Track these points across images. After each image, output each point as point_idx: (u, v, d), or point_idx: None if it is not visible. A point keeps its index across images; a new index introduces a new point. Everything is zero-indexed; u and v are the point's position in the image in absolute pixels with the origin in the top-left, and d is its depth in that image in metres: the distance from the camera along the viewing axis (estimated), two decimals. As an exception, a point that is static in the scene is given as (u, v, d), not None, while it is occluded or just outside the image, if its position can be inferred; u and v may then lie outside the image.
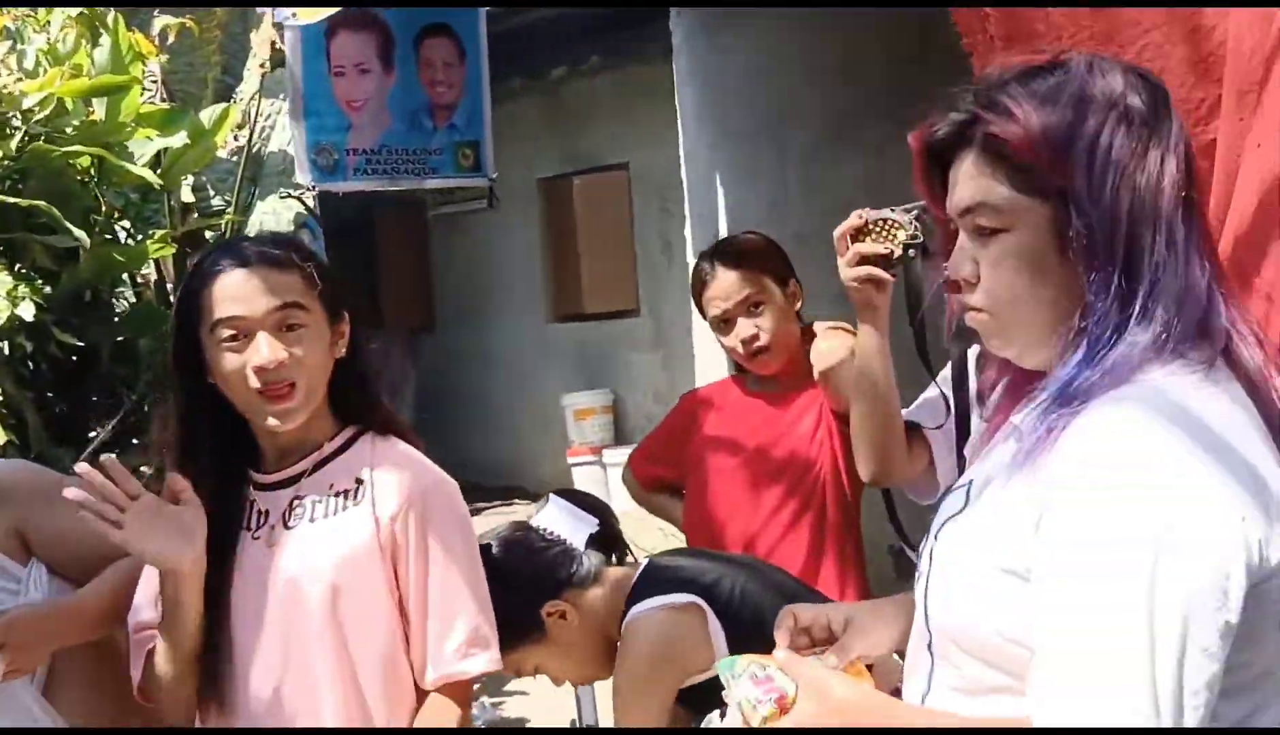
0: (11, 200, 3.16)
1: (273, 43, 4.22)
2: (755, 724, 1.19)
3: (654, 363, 8.23)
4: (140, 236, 3.94)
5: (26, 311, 3.08)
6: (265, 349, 1.55)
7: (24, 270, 3.37)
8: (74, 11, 3.51)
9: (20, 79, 3.47)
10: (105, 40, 3.60)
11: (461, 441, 9.35)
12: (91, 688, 1.83)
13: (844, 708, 1.13)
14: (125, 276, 4.01)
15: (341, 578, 1.61)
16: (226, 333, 1.57)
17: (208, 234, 4.50)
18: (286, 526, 1.64)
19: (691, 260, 5.05)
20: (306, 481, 1.66)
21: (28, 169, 3.35)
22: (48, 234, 3.43)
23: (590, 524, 1.89)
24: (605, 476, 8.26)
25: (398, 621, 1.63)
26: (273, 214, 4.70)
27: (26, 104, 3.37)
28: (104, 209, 3.66)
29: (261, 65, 4.23)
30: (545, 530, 1.87)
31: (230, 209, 4.41)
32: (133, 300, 4.21)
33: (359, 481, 1.65)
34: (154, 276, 4.34)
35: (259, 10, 4.72)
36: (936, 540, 1.16)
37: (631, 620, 1.79)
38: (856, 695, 1.15)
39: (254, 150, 4.58)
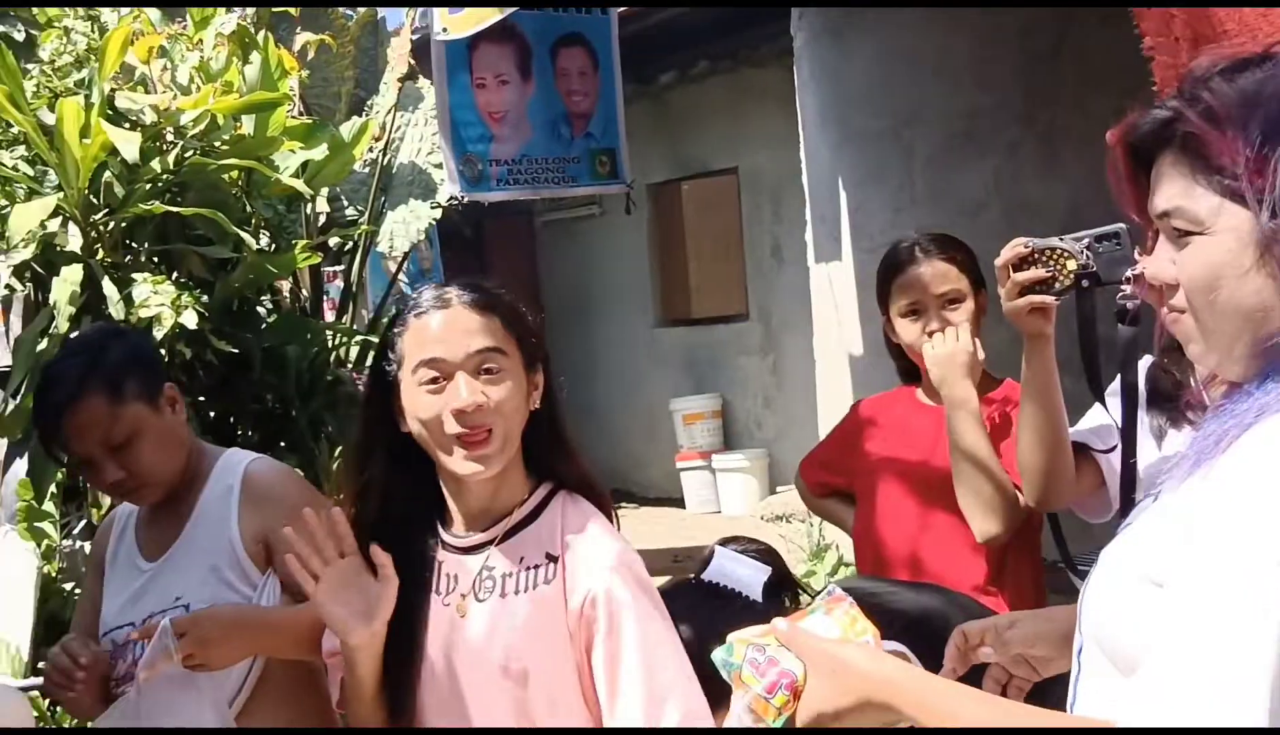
0: (174, 211, 3.28)
1: (411, 57, 4.32)
2: (774, 722, 1.10)
3: (763, 367, 8.23)
4: (281, 246, 4.06)
5: (189, 319, 3.18)
6: (464, 391, 1.52)
7: (182, 279, 3.51)
8: (227, 29, 3.64)
9: (175, 96, 3.61)
10: (255, 57, 3.73)
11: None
12: (294, 709, 1.89)
13: (862, 682, 1.09)
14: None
15: (532, 661, 1.55)
16: (427, 375, 1.54)
17: (335, 242, 4.63)
18: (477, 598, 1.58)
19: (812, 263, 5.05)
20: (497, 551, 1.60)
21: (186, 182, 3.48)
22: (203, 244, 3.56)
23: (763, 571, 1.78)
24: (714, 481, 8.28)
25: (585, 707, 1.56)
26: (403, 224, 4.81)
27: (183, 120, 3.50)
28: (253, 220, 3.79)
29: (399, 79, 4.34)
30: (720, 585, 1.76)
31: (364, 219, 4.53)
32: (269, 308, 4.35)
33: (550, 558, 1.58)
34: (290, 286, 4.48)
35: (390, 25, 4.85)
36: (1108, 549, 1.14)
37: None
38: (873, 666, 1.11)
39: (386, 162, 4.69)
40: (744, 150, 7.99)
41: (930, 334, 2.23)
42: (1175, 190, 1.05)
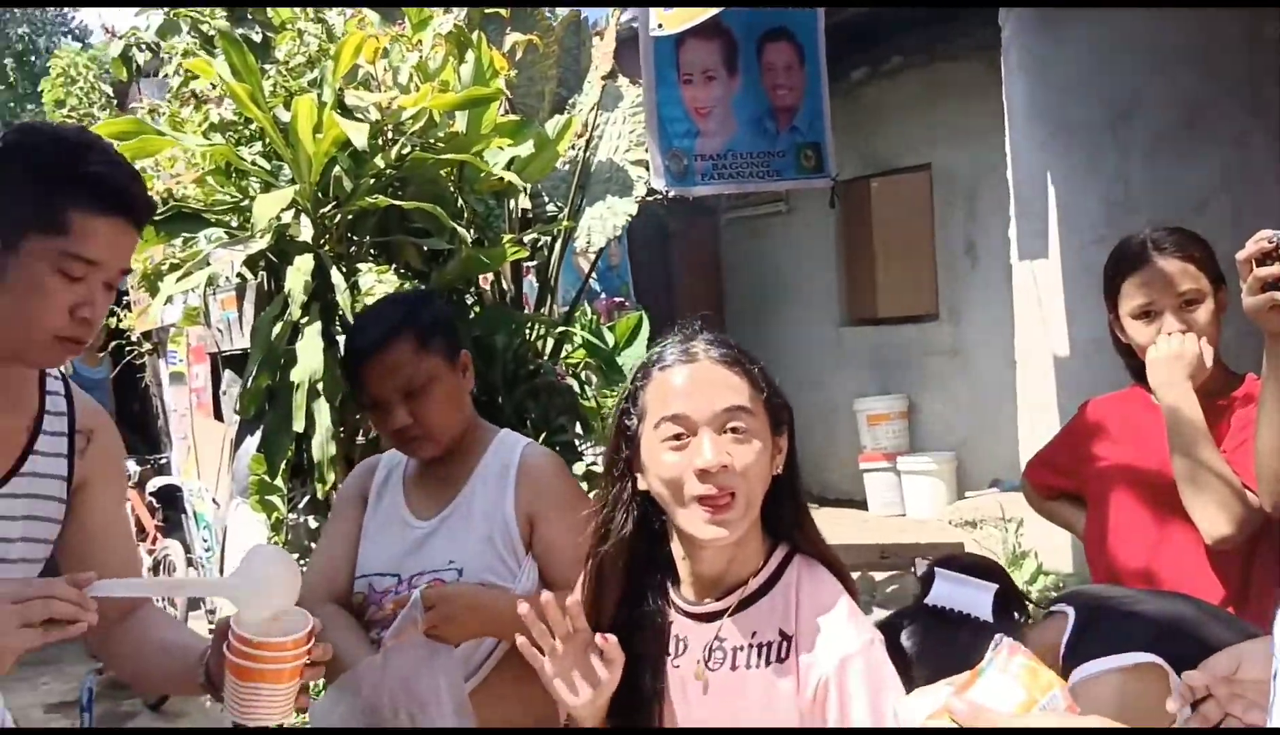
0: (397, 204, 3.43)
1: (615, 55, 4.39)
2: None
3: (953, 368, 8.03)
4: (489, 240, 4.19)
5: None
6: (709, 451, 1.45)
7: (400, 270, 3.67)
8: (444, 30, 3.78)
9: (396, 94, 3.78)
10: (469, 57, 3.87)
11: (750, 443, 9.43)
12: (523, 695, 1.91)
13: None
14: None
15: None
16: (671, 431, 1.49)
17: (530, 237, 4.76)
18: (708, 667, 1.53)
19: (1016, 261, 4.90)
20: (730, 622, 1.54)
21: (406, 177, 3.64)
22: (420, 237, 3.72)
23: (988, 588, 1.71)
24: (899, 483, 8.14)
25: None
26: (600, 220, 4.91)
27: (403, 117, 3.65)
28: (465, 214, 3.93)
29: (602, 77, 4.42)
30: (946, 609, 1.69)
31: (563, 215, 4.63)
32: (473, 300, 4.50)
33: (784, 636, 1.52)
34: (491, 279, 4.62)
35: (593, 24, 4.94)
36: None
37: (1081, 686, 1.59)
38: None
39: (586, 159, 4.79)
40: (938, 146, 7.82)
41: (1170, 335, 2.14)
42: None
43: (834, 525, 7.93)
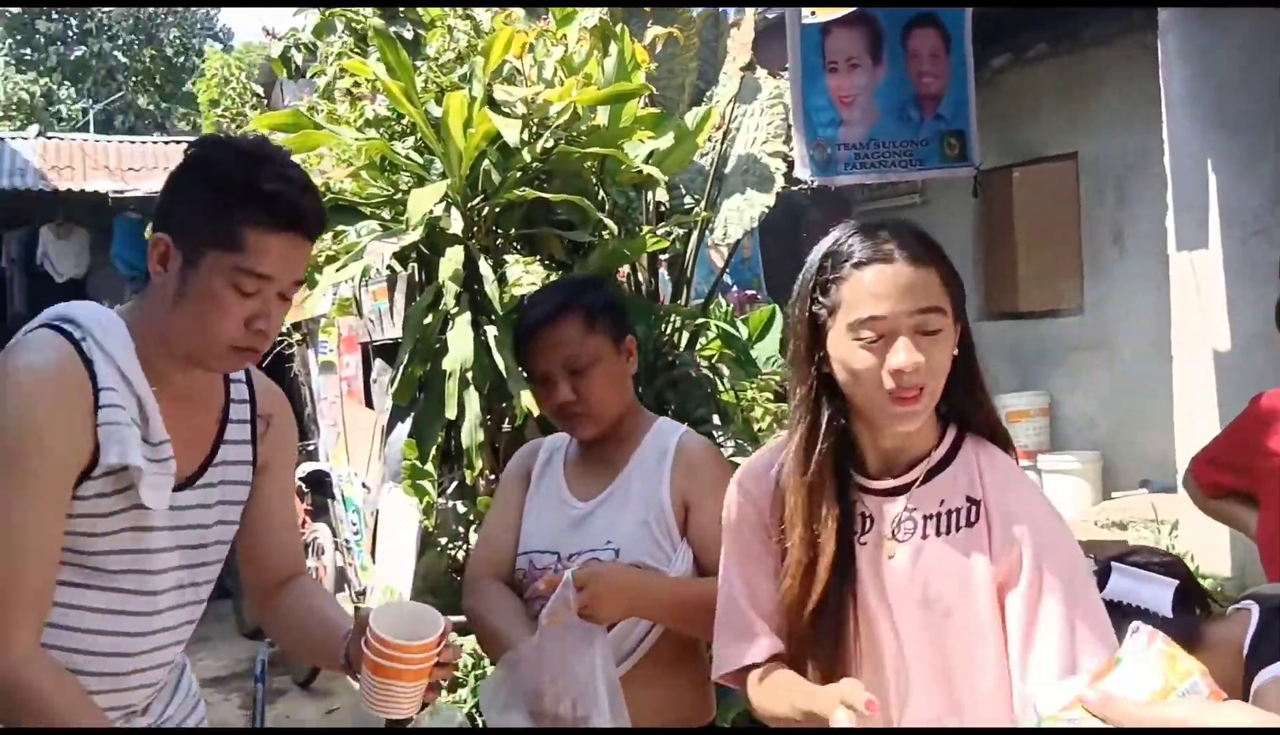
0: (544, 196, 3.49)
1: (753, 46, 4.39)
2: None
3: (1097, 363, 7.77)
4: (628, 232, 4.23)
5: (544, 299, 3.39)
6: (904, 354, 1.48)
7: (545, 262, 3.73)
8: (590, 23, 3.83)
9: (542, 89, 3.84)
10: (613, 51, 3.90)
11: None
12: (675, 679, 1.96)
13: None
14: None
15: (954, 599, 1.53)
16: (867, 334, 1.50)
17: (679, 230, 4.78)
18: (895, 538, 1.57)
19: (1173, 252, 4.72)
20: (917, 492, 1.57)
21: (552, 170, 3.70)
22: (563, 229, 3.78)
23: (1169, 584, 1.68)
24: (1040, 482, 7.92)
25: (1002, 647, 1.53)
26: (737, 212, 4.90)
27: (550, 111, 3.71)
28: (606, 206, 3.98)
29: (741, 69, 4.41)
30: (1125, 603, 1.66)
31: (700, 207, 4.64)
32: (609, 291, 4.54)
33: (971, 501, 1.56)
34: (628, 270, 4.66)
35: (733, 14, 4.94)
36: None
37: (1265, 687, 1.57)
38: (1212, 717, 1.04)
39: (723, 151, 4.79)
40: (1084, 134, 7.57)
41: None
42: None
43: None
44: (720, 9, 5.25)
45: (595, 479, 2.05)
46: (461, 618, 1.96)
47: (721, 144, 4.85)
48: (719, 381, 5.28)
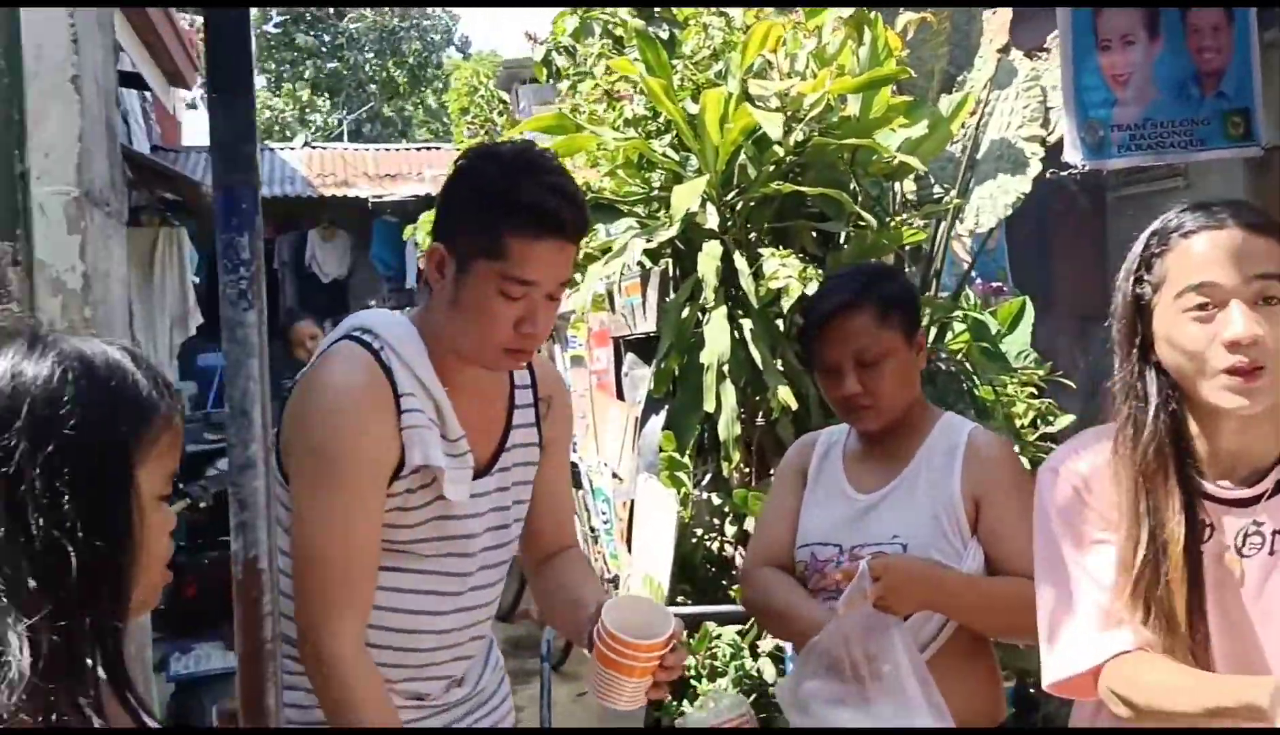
0: (800, 190, 3.49)
1: (1009, 28, 4.24)
2: None
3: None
4: (879, 222, 4.17)
5: (813, 290, 3.37)
6: (1240, 321, 1.36)
7: (797, 254, 3.73)
8: (846, 13, 3.79)
9: (795, 81, 3.83)
10: (867, 38, 3.86)
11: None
12: (968, 670, 1.93)
13: None
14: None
15: None
16: (1196, 301, 1.40)
17: (928, 220, 4.67)
18: (1241, 553, 1.44)
19: None
20: (1269, 504, 1.43)
21: (806, 162, 3.69)
22: (818, 221, 3.76)
23: None
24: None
25: None
26: (990, 199, 4.75)
27: (804, 103, 3.70)
28: (859, 197, 3.93)
29: (998, 51, 4.27)
30: None
31: (952, 195, 4.52)
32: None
33: None
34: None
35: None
36: None
37: None
38: None
39: (977, 137, 4.65)
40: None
41: None
42: None
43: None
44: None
45: (879, 472, 2.03)
46: (704, 609, 1.98)
47: (975, 129, 4.71)
48: (974, 376, 5.14)
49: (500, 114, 8.53)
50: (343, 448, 1.60)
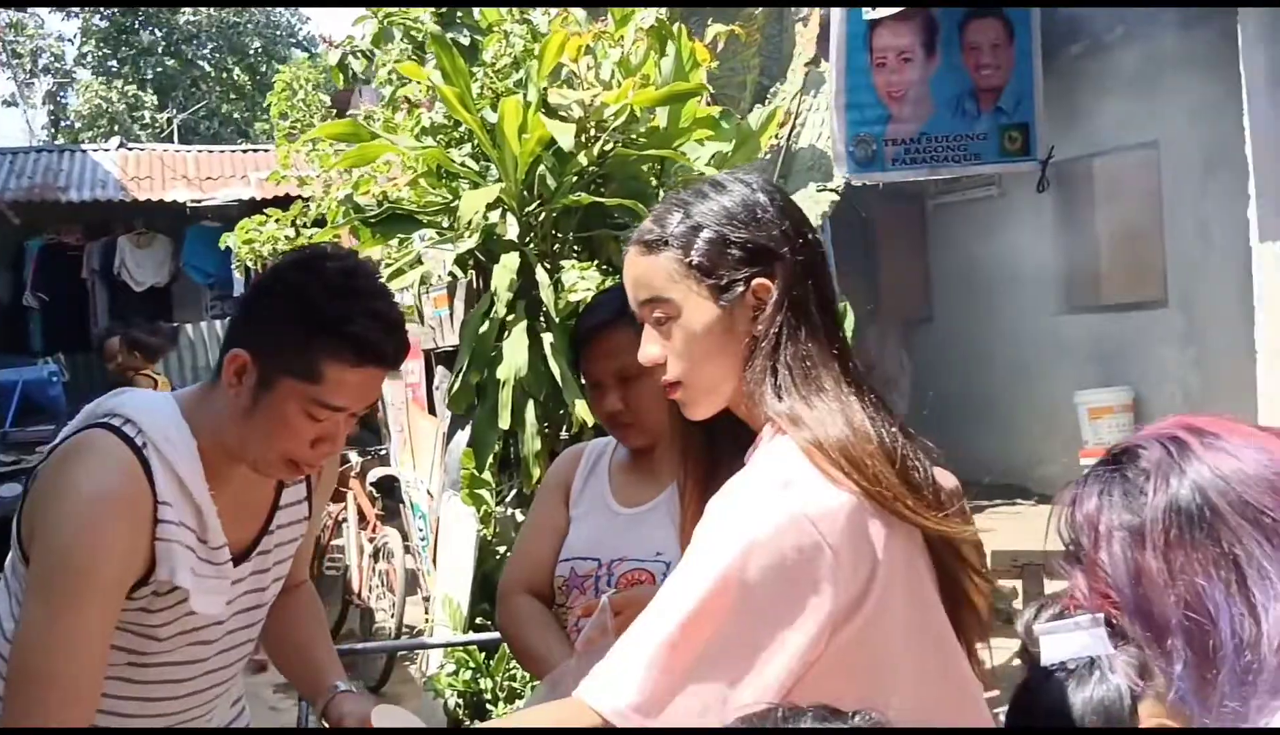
0: (600, 201, 3.46)
1: (818, 40, 4.31)
2: None
3: (1184, 359, 7.53)
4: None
5: (609, 304, 3.35)
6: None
7: (602, 265, 3.70)
8: (647, 23, 3.78)
9: (598, 91, 3.81)
10: (670, 51, 3.85)
11: (959, 436, 9.06)
12: None
13: None
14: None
15: None
16: None
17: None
18: None
19: (1256, 243, 4.53)
20: None
21: (609, 173, 3.67)
22: (623, 231, 3.74)
23: (1097, 620, 1.54)
24: (1122, 480, 7.69)
25: None
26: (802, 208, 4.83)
27: (606, 114, 3.68)
28: (666, 209, 3.92)
29: (806, 64, 4.34)
30: (1068, 665, 1.49)
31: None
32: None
33: None
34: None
35: (800, 11, 4.86)
36: None
37: None
38: None
39: (788, 147, 4.72)
40: (1166, 121, 7.33)
41: None
42: None
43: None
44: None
45: (645, 486, 1.97)
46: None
47: (787, 140, 4.78)
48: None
49: (323, 118, 8.29)
50: (86, 562, 1.49)
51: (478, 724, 3.10)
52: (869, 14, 3.32)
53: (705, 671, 1.17)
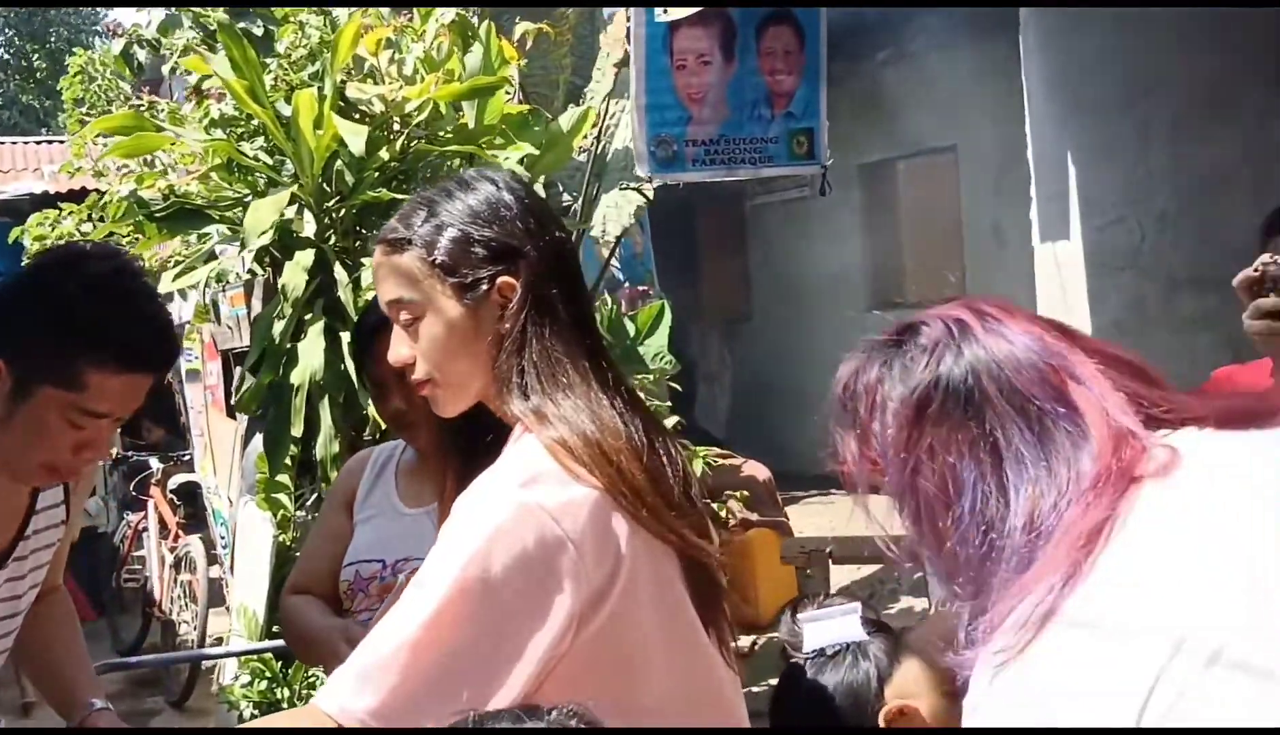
0: (400, 198, 3.40)
1: (623, 43, 4.35)
2: None
3: (981, 353, 7.93)
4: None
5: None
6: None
7: (405, 264, 3.64)
8: (447, 19, 3.74)
9: (401, 86, 3.74)
10: (476, 47, 3.82)
11: (779, 430, 9.35)
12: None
13: None
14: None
15: None
16: None
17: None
18: None
19: (1037, 243, 4.80)
20: None
21: (412, 170, 3.61)
22: (426, 229, 3.69)
23: (850, 607, 1.60)
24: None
25: None
26: (614, 208, 4.86)
27: (408, 109, 3.62)
28: (473, 206, 3.89)
29: (615, 65, 4.36)
30: (826, 650, 1.57)
31: (578, 205, 4.59)
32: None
33: None
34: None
35: (607, 11, 4.89)
36: None
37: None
38: None
39: (600, 148, 4.74)
40: (963, 127, 7.70)
41: None
42: None
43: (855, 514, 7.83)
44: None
45: (431, 485, 1.96)
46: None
47: (598, 141, 4.80)
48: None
49: (121, 106, 7.90)
50: None
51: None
52: (661, 16, 3.37)
53: (446, 674, 1.17)
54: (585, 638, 1.22)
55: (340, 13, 3.89)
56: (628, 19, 4.57)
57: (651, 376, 5.73)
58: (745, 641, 5.08)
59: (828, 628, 1.58)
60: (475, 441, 1.48)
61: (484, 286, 1.31)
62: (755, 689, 3.55)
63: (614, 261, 8.10)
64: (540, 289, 1.32)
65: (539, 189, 4.61)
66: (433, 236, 1.32)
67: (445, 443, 1.64)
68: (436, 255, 1.31)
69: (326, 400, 3.20)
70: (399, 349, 1.36)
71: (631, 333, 5.94)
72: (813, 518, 7.79)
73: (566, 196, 4.87)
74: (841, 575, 5.76)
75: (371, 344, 1.96)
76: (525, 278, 1.31)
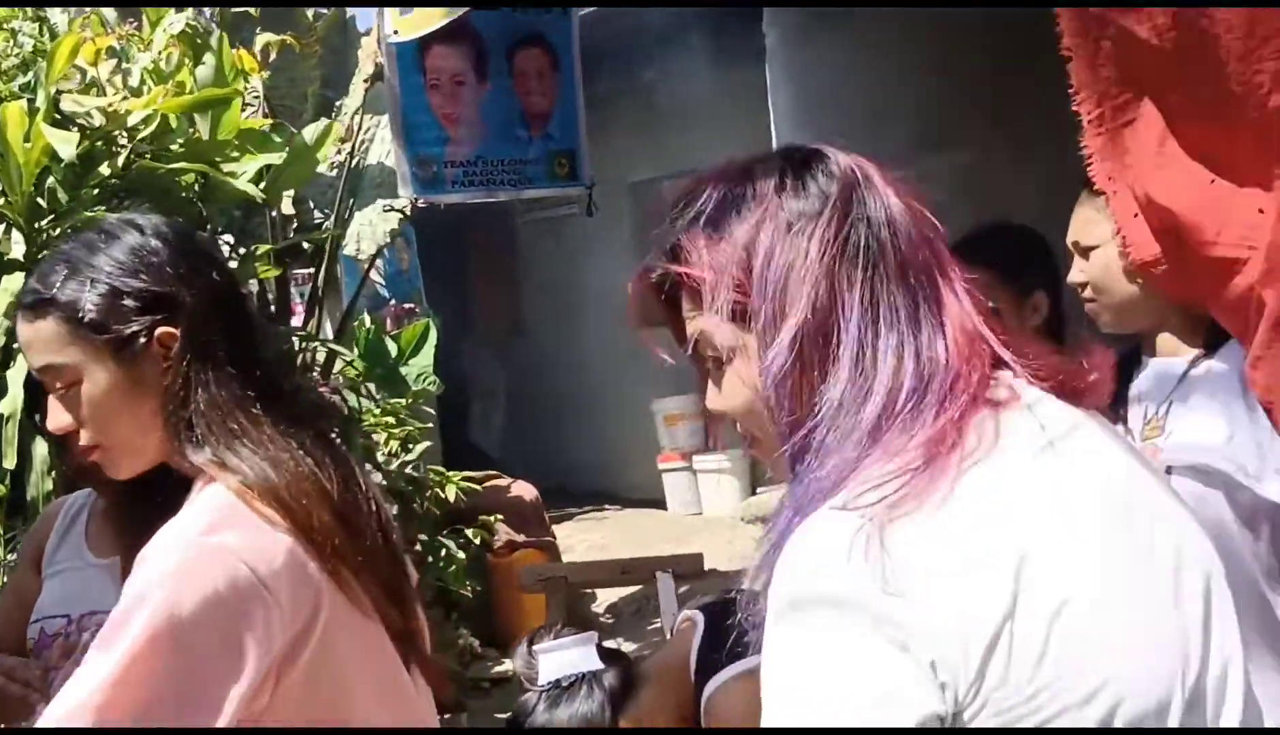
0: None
1: (375, 57, 4.26)
2: None
3: (748, 367, 8.17)
4: (243, 251, 3.99)
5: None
6: None
7: (132, 286, 3.44)
8: (175, 30, 3.57)
9: (126, 97, 3.54)
10: (209, 59, 3.66)
11: (552, 446, 9.38)
12: None
13: None
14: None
15: None
16: None
17: (306, 246, 4.56)
18: None
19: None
20: None
21: (136, 186, 3.42)
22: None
23: (587, 637, 1.62)
24: (695, 482, 8.23)
25: None
26: (369, 225, 4.75)
27: (131, 122, 3.43)
28: (209, 226, 3.72)
29: (365, 81, 4.27)
30: (563, 682, 1.58)
31: (330, 222, 4.46)
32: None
33: None
34: (257, 289, 4.41)
35: (362, 24, 4.77)
36: None
37: (712, 698, 1.55)
38: None
39: (354, 164, 4.62)
40: (728, 149, 7.88)
41: None
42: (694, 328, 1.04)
43: (634, 527, 7.94)
44: (348, 15, 5.08)
45: (118, 535, 1.88)
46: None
47: (352, 157, 4.67)
48: (358, 403, 5.09)
49: None
50: None
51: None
52: (391, 37, 3.31)
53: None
54: (287, 687, 1.20)
55: (59, 19, 3.66)
56: (379, 35, 4.50)
57: (413, 398, 5.65)
58: (507, 666, 5.04)
59: (563, 658, 1.60)
60: (162, 491, 1.41)
61: (141, 340, 1.25)
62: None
63: (379, 279, 7.95)
64: (201, 336, 1.26)
65: (287, 203, 4.47)
66: (76, 294, 1.25)
67: (131, 492, 1.55)
68: (84, 314, 1.24)
69: (39, 435, 2.98)
70: (58, 417, 1.29)
71: (394, 353, 5.82)
72: (586, 534, 7.85)
73: (318, 213, 4.73)
74: (610, 592, 5.81)
75: (44, 396, 1.84)
76: (184, 326, 1.25)
